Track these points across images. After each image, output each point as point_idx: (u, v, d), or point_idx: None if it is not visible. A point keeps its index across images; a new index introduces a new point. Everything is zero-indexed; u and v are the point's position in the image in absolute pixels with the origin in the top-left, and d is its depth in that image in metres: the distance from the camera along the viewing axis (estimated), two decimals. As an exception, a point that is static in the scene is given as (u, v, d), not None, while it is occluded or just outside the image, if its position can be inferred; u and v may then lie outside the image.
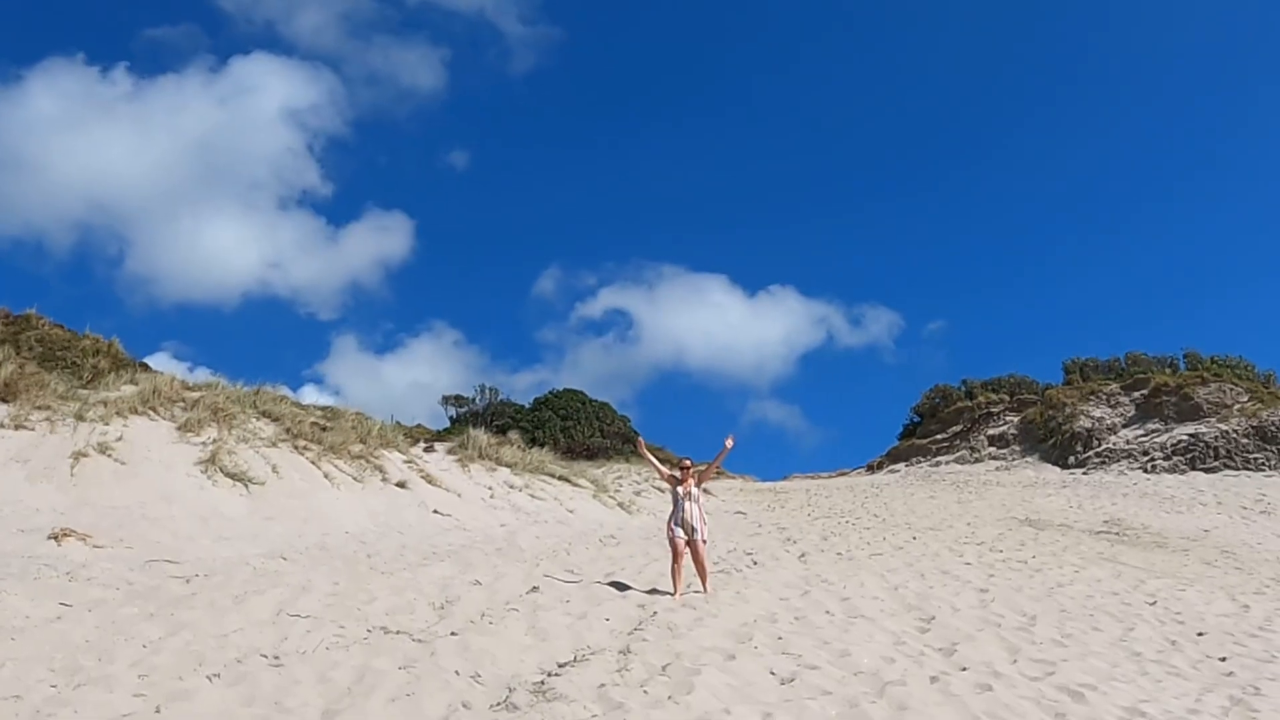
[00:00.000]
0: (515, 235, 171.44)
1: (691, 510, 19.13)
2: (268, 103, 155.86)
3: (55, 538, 19.82)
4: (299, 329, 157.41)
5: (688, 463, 20.06)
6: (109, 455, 26.93)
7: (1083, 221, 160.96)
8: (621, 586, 19.33)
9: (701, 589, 19.11)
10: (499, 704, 10.97)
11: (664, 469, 20.29)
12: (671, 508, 19.48)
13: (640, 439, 21.73)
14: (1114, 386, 71.42)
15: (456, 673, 12.00)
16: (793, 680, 12.74)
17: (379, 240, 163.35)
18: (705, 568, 19.37)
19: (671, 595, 18.51)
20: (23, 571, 16.62)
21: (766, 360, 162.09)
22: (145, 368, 39.42)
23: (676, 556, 18.97)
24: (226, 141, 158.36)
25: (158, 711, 9.92)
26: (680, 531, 19.02)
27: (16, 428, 27.49)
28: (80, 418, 28.76)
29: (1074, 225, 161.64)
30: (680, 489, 19.34)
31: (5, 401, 29.09)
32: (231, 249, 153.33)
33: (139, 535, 21.70)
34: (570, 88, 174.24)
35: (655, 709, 10.60)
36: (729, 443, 19.43)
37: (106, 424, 28.90)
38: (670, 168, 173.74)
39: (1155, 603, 20.93)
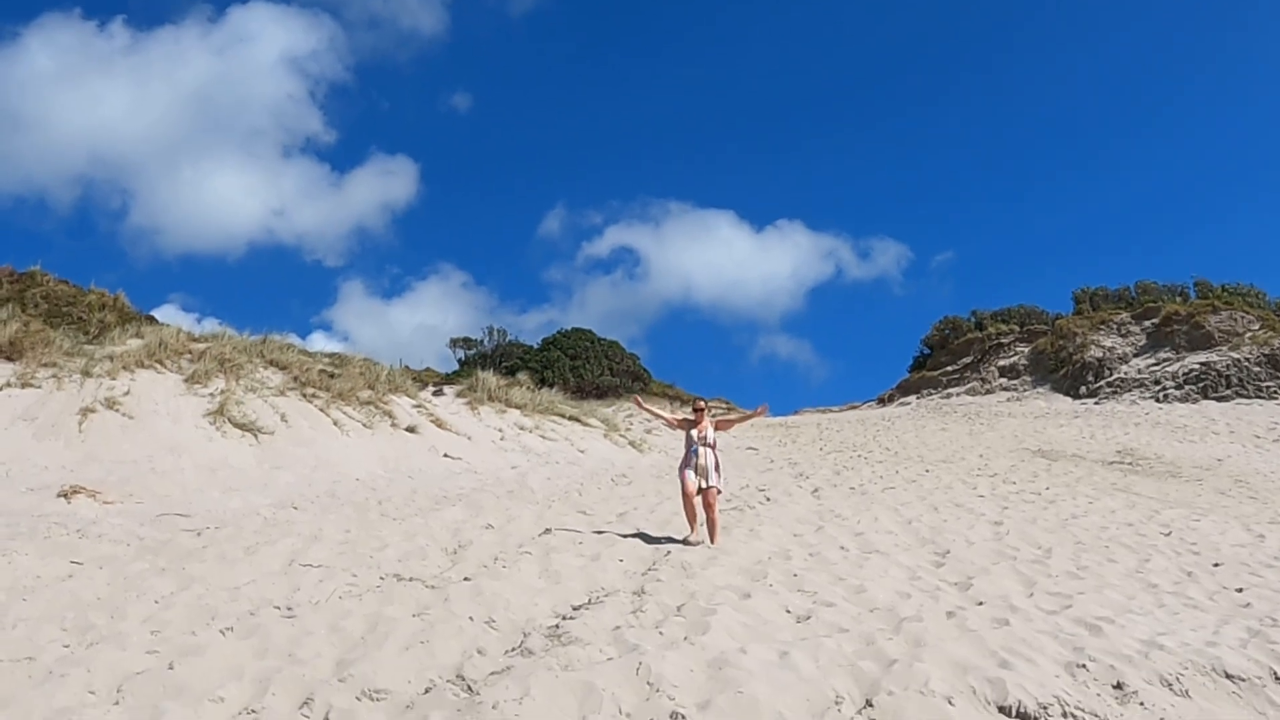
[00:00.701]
0: (520, 176, 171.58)
1: (707, 457, 17.79)
2: (267, 51, 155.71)
3: (64, 495, 19.76)
4: (305, 276, 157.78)
5: (701, 403, 18.90)
6: (116, 410, 26.88)
7: (1092, 149, 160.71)
8: (634, 526, 19.26)
9: (709, 541, 17.53)
10: (514, 649, 10.90)
11: (670, 415, 19.87)
12: (684, 452, 18.26)
13: (637, 397, 21.37)
14: (1124, 315, 71.41)
15: (470, 618, 11.93)
16: (808, 618, 12.66)
17: (384, 184, 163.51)
18: (716, 521, 17.80)
19: (687, 536, 17.72)
20: (32, 530, 16.56)
21: (775, 295, 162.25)
22: (151, 321, 39.34)
23: (688, 494, 17.77)
24: (227, 91, 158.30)
25: (171, 667, 9.84)
26: (692, 475, 17.72)
27: (23, 386, 27.44)
28: (87, 373, 28.71)
29: (1083, 153, 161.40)
30: (695, 433, 18.05)
31: (11, 360, 29.03)
32: (235, 198, 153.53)
33: (148, 489, 21.64)
34: (571, 25, 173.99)
35: (671, 650, 10.51)
36: (763, 410, 19.98)
37: (113, 379, 28.86)
38: (674, 103, 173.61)
39: (1170, 533, 20.88)
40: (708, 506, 17.69)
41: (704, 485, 17.68)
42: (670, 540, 17.63)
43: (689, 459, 17.97)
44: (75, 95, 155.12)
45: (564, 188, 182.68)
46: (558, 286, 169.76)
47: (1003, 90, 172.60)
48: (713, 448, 18.05)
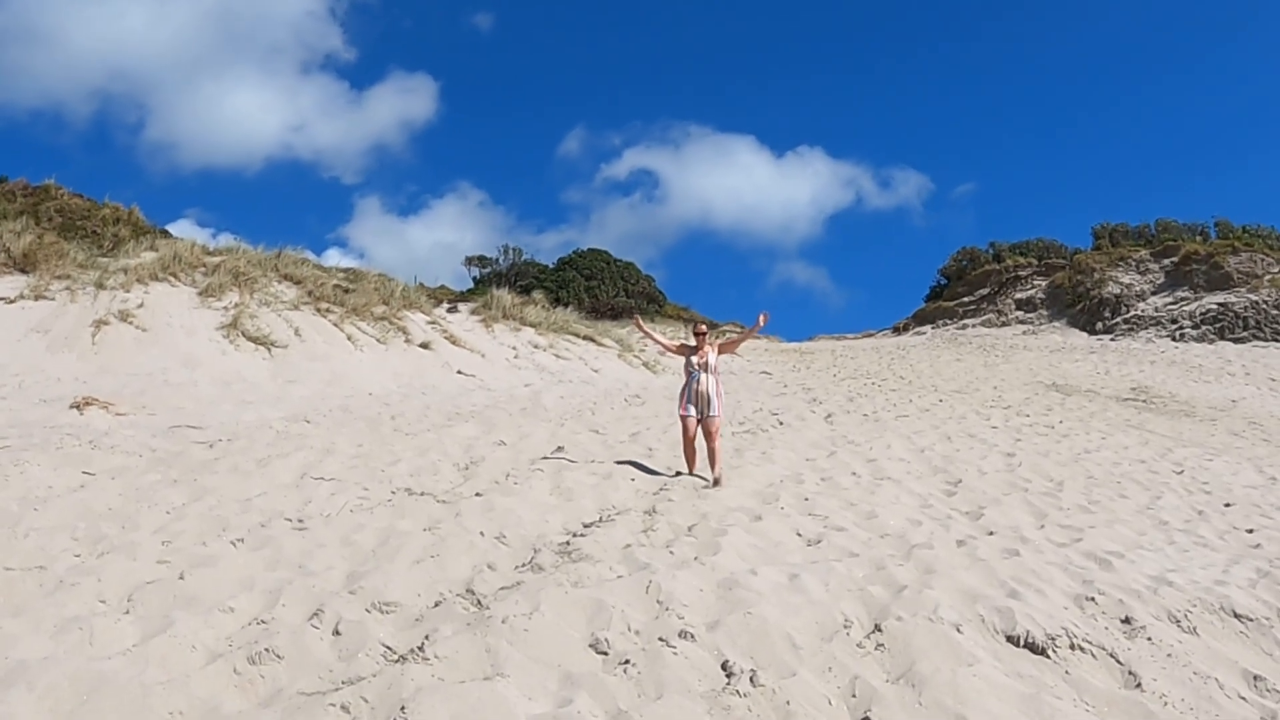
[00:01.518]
0: (540, 96, 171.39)
1: (707, 383, 16.61)
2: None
3: (77, 406, 19.78)
4: (322, 192, 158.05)
5: (703, 327, 17.50)
6: (130, 323, 26.92)
7: (1117, 84, 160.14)
8: (647, 446, 19.27)
9: (709, 478, 16.29)
10: (524, 565, 10.92)
11: (669, 342, 18.10)
12: (684, 380, 17.05)
13: (637, 316, 20.47)
14: (1144, 253, 71.10)
15: (481, 534, 11.96)
16: (819, 542, 12.70)
17: (403, 102, 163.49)
18: (718, 452, 16.40)
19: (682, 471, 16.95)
20: (45, 441, 16.57)
21: (794, 221, 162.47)
22: (166, 234, 39.37)
23: (688, 438, 16.71)
24: (247, 6, 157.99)
25: (181, 578, 9.86)
26: (692, 409, 16.56)
27: (37, 298, 27.49)
28: (100, 286, 28.75)
29: (1108, 87, 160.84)
30: (695, 358, 16.75)
31: (25, 272, 29.09)
32: (253, 113, 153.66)
33: (161, 402, 21.66)
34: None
35: (681, 569, 10.53)
36: (763, 318, 16.58)
37: (127, 291, 28.90)
38: (697, 26, 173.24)
39: (1183, 471, 20.85)
40: (708, 435, 16.43)
41: (706, 414, 16.50)
42: (682, 460, 17.62)
43: (688, 387, 16.77)
44: (94, 9, 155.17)
45: (584, 109, 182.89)
46: (575, 208, 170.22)
47: (1030, 24, 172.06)
48: (714, 374, 16.87)
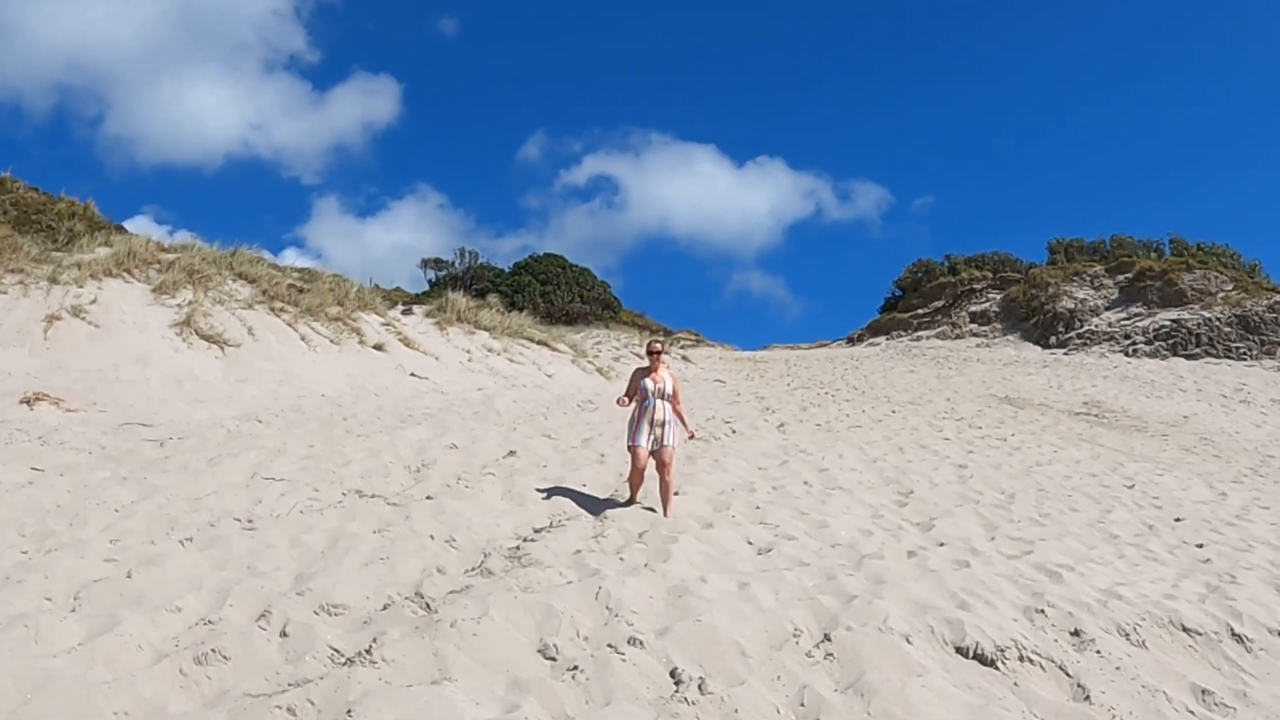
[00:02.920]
0: (503, 101, 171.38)
1: (664, 412, 14.68)
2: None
3: (27, 401, 19.66)
4: (281, 192, 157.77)
5: (658, 345, 15.48)
6: (82, 318, 26.76)
7: (1075, 100, 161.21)
8: (599, 452, 19.26)
9: (660, 511, 14.51)
10: (474, 569, 10.94)
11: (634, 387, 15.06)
12: (636, 406, 14.89)
13: (622, 398, 15.23)
14: (1098, 268, 71.48)
15: (431, 537, 11.97)
16: (770, 550, 12.77)
17: (365, 103, 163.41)
18: (671, 486, 14.70)
19: (629, 500, 15.17)
20: (-6, 435, 16.50)
21: (753, 230, 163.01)
22: (121, 230, 39.11)
23: (637, 469, 14.70)
24: (210, 4, 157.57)
25: (129, 576, 9.83)
26: (644, 439, 14.53)
27: (-12, 291, 27.30)
28: (54, 280, 28.56)
29: (1065, 104, 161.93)
30: (650, 382, 14.76)
31: (-23, 264, 28.86)
32: (214, 111, 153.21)
33: (112, 399, 21.55)
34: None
35: (631, 576, 10.55)
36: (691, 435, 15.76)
37: (80, 287, 28.71)
38: (661, 34, 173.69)
39: (1133, 486, 21.03)
40: (661, 466, 14.59)
41: (658, 445, 14.56)
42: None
43: (643, 414, 14.69)
44: (56, 3, 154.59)
45: (545, 114, 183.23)
46: (534, 213, 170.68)
47: (992, 40, 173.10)
48: (669, 399, 14.83)
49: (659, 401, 14.75)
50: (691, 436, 15.94)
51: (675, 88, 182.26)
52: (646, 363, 15.19)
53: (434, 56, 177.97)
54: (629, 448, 14.78)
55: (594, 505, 14.57)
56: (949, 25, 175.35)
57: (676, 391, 15.10)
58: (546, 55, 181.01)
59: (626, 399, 14.99)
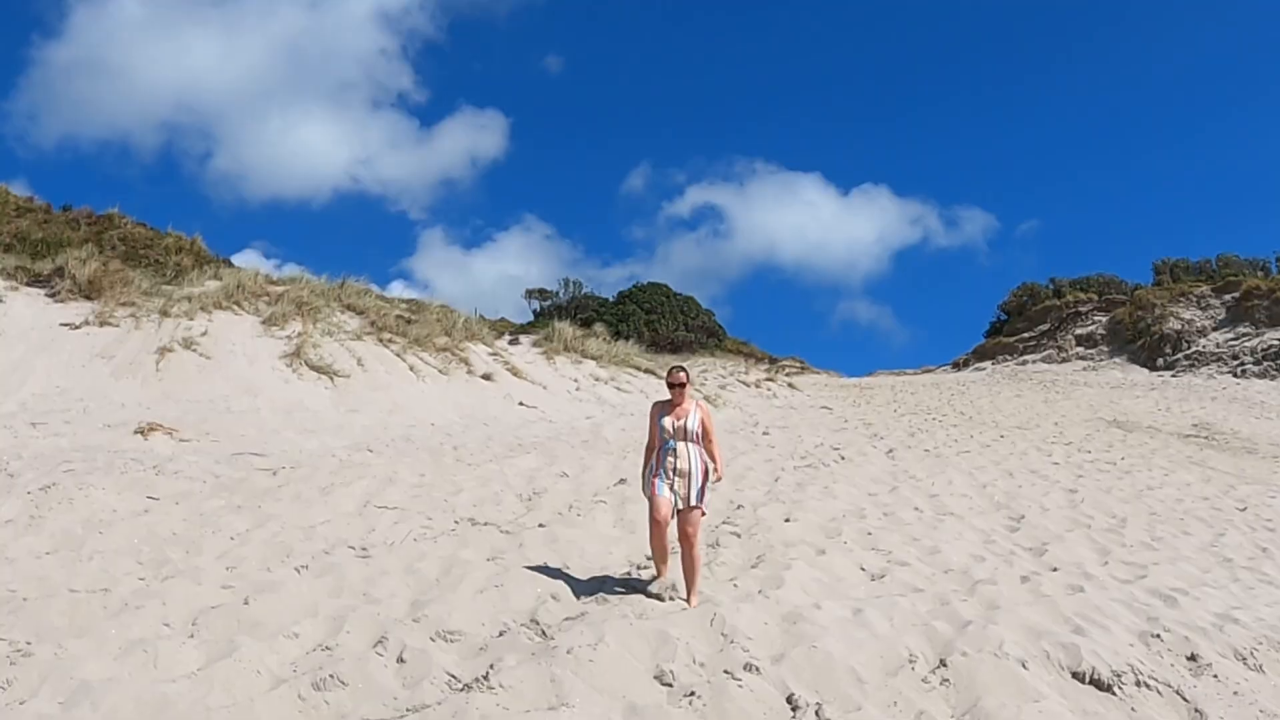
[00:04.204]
0: (607, 133, 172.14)
1: (688, 457, 11.19)
2: (358, 6, 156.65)
3: (141, 432, 19.89)
4: (388, 226, 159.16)
5: (682, 375, 11.70)
6: (193, 350, 27.06)
7: (1179, 120, 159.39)
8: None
9: (684, 595, 11.05)
10: (588, 596, 10.89)
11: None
12: (653, 446, 11.50)
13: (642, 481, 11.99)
14: (1204, 288, 70.33)
15: (545, 564, 11.95)
16: (883, 576, 12.64)
17: (473, 137, 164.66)
18: (697, 561, 11.14)
19: (652, 584, 11.46)
20: (109, 465, 16.67)
21: (859, 258, 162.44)
22: (229, 264, 39.58)
23: (659, 523, 11.07)
24: (316, 43, 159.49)
25: (246, 603, 9.88)
26: (664, 487, 11.10)
27: (101, 324, 27.68)
28: (165, 313, 28.93)
29: (1169, 123, 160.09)
30: (669, 419, 11.36)
31: (90, 299, 29.28)
32: (322, 146, 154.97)
33: (224, 429, 21.76)
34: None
35: (745, 603, 10.49)
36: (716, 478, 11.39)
37: (191, 319, 29.05)
38: (762, 64, 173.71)
39: (1245, 509, 20.69)
40: (684, 539, 11.19)
41: (681, 504, 11.14)
42: (744, 494, 17.55)
43: (660, 457, 11.30)
44: (163, 44, 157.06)
45: (649, 146, 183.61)
46: (640, 243, 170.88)
47: (1094, 60, 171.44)
48: (697, 442, 11.34)
49: (681, 444, 11.26)
50: (718, 479, 11.55)
51: (778, 116, 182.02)
52: (667, 394, 11.66)
53: (540, 93, 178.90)
54: (647, 496, 11.33)
55: (706, 533, 14.46)
56: (1052, 50, 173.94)
57: (708, 429, 11.48)
58: (649, 89, 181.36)
59: (647, 452, 11.64)
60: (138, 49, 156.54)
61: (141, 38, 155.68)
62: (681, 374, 11.69)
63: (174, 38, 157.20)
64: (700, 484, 11.14)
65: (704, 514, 11.28)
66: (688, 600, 10.88)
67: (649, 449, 11.54)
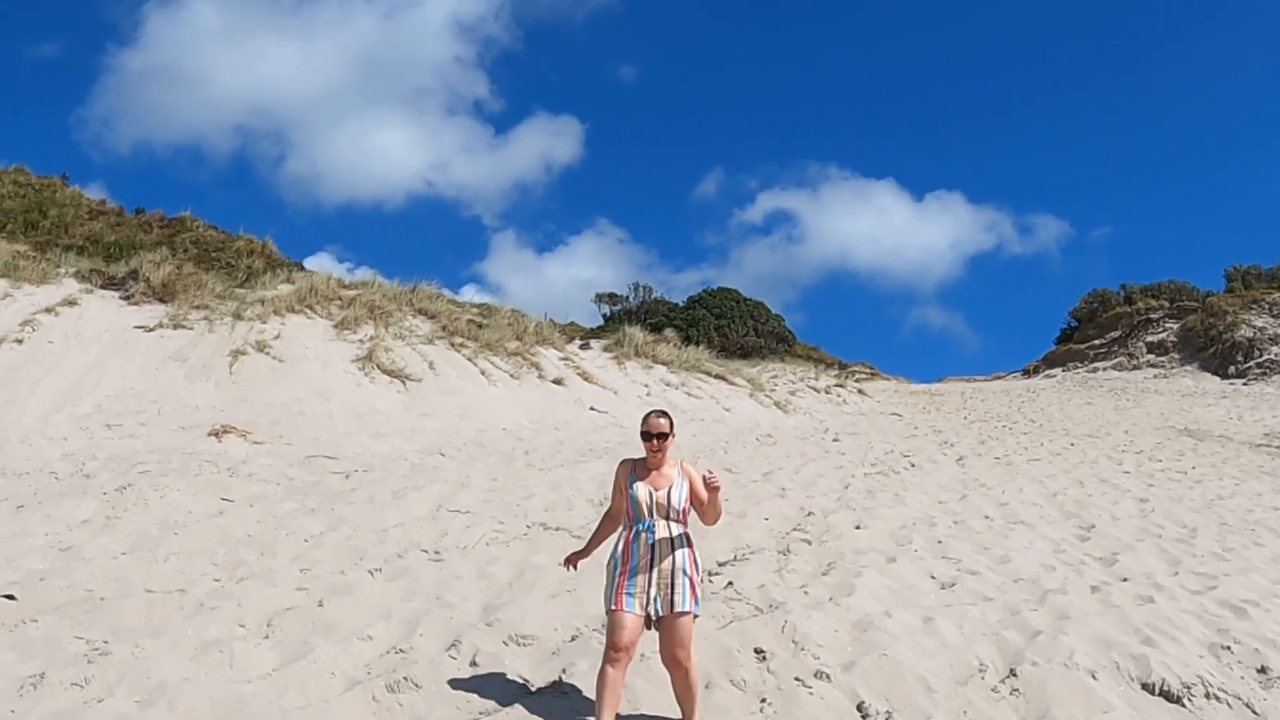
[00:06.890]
0: (680, 140, 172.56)
1: (670, 544, 7.77)
2: (434, 14, 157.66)
3: (215, 434, 20.03)
4: (461, 229, 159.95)
5: (664, 422, 8.18)
6: (266, 353, 27.22)
7: (1253, 126, 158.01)
8: (779, 486, 19.16)
9: None
10: (660, 601, 10.91)
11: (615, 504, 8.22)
12: (621, 531, 8.09)
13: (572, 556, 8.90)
14: (1277, 295, 69.63)
15: (616, 570, 11.97)
16: (953, 585, 12.57)
17: (548, 142, 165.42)
18: (694, 687, 7.78)
19: None
20: (184, 467, 16.81)
21: (933, 264, 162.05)
22: (301, 267, 39.85)
23: (616, 648, 7.45)
24: (392, 52, 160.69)
25: (320, 605, 9.96)
26: (632, 601, 7.64)
27: (175, 327, 27.89)
28: (238, 316, 29.13)
29: (1244, 129, 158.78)
30: (642, 486, 7.97)
31: (164, 301, 29.54)
32: (396, 151, 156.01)
33: (297, 432, 21.88)
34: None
35: (816, 610, 10.49)
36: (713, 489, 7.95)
37: (264, 322, 29.24)
38: (837, 72, 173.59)
39: (1319, 521, 20.43)
40: (673, 662, 7.68)
41: (661, 610, 7.68)
42: (814, 500, 17.51)
43: (630, 554, 7.80)
44: (237, 52, 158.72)
45: (722, 152, 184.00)
46: (713, 248, 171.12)
47: (1167, 67, 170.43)
48: (682, 522, 7.92)
49: (661, 524, 7.82)
50: (716, 518, 8.19)
51: (851, 123, 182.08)
52: (641, 452, 8.31)
53: (614, 100, 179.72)
54: (606, 609, 7.79)
55: (776, 539, 14.45)
56: (1125, 56, 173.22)
57: (698, 494, 8.05)
58: (722, 96, 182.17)
59: (608, 521, 8.43)
60: (213, 56, 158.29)
61: (217, 45, 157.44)
62: (663, 421, 8.20)
63: (249, 44, 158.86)
64: (686, 582, 7.74)
65: (696, 618, 7.82)
66: None
67: (608, 519, 8.39)
